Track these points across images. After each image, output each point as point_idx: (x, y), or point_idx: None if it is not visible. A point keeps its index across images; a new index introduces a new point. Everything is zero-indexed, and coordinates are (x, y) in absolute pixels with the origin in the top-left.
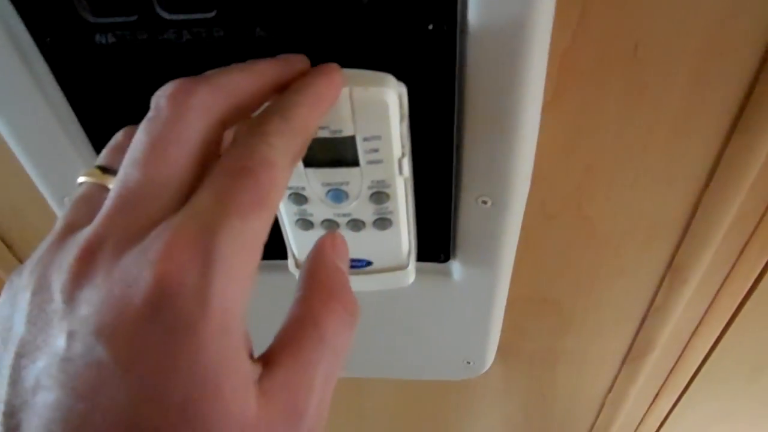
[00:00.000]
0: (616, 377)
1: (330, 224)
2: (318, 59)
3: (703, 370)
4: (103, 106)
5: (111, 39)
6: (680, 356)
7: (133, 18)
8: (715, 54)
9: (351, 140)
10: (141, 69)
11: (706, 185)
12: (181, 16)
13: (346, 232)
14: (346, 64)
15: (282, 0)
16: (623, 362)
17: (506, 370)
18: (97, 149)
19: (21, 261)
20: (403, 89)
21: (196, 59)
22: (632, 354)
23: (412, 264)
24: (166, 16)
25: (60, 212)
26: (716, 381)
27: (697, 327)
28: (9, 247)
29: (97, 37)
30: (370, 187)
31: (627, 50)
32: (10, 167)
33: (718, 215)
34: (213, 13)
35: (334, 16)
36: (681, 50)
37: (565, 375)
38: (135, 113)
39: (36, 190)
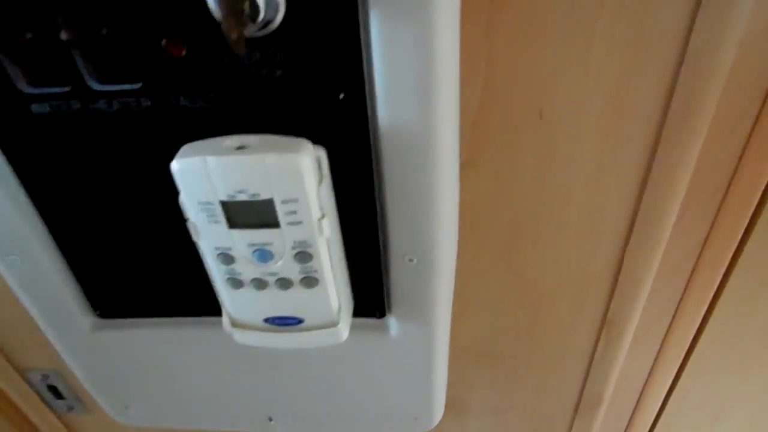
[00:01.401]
0: (569, 430)
1: (259, 283)
2: (242, 128)
3: (660, 422)
4: (43, 172)
5: (46, 108)
6: (635, 409)
7: (66, 89)
8: (618, 114)
9: (269, 203)
10: (76, 137)
11: (627, 240)
12: (110, 87)
13: (275, 291)
14: (269, 131)
15: (204, 73)
16: (574, 416)
17: (458, 425)
18: (40, 210)
19: None
20: (321, 153)
21: (126, 127)
22: (582, 407)
23: (344, 321)
24: (96, 87)
25: (4, 269)
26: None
27: (647, 378)
28: None
29: (34, 107)
30: (293, 247)
31: (532, 115)
32: None
33: (642, 269)
34: (139, 85)
35: (253, 88)
36: (585, 112)
37: (519, 428)
38: (73, 177)
39: None
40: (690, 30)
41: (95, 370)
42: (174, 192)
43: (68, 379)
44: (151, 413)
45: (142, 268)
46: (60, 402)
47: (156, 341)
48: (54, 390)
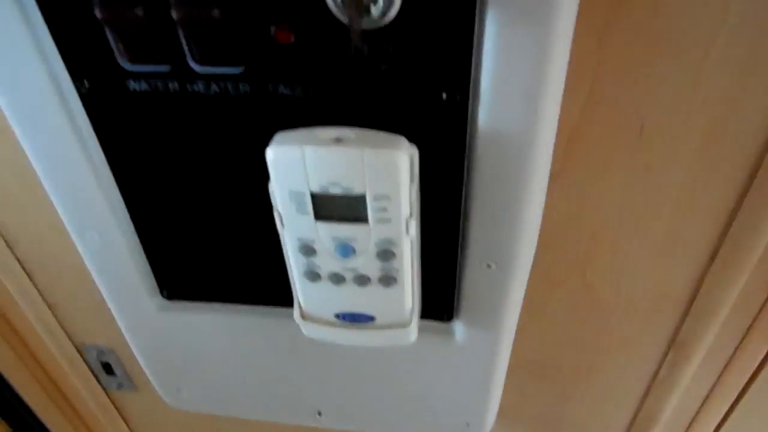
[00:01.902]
0: None
1: (337, 277)
2: (337, 120)
3: None
4: (131, 150)
5: (144, 86)
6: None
7: (166, 68)
8: (720, 135)
9: (362, 198)
10: (169, 117)
11: (711, 262)
12: (211, 70)
13: (351, 287)
14: (364, 125)
15: (306, 62)
16: None
17: None
18: (122, 188)
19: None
20: (414, 152)
21: (221, 111)
22: (635, 427)
23: (415, 323)
24: (196, 68)
25: (81, 245)
26: None
27: (702, 405)
28: (29, 275)
29: (131, 84)
30: (377, 245)
31: (633, 130)
32: (32, 198)
33: (721, 293)
34: (241, 69)
35: (355, 80)
36: (686, 131)
37: None
38: (160, 158)
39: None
40: None
41: (154, 350)
42: (261, 180)
43: (122, 357)
44: (202, 398)
45: (217, 253)
46: (111, 378)
47: (218, 327)
48: (107, 366)
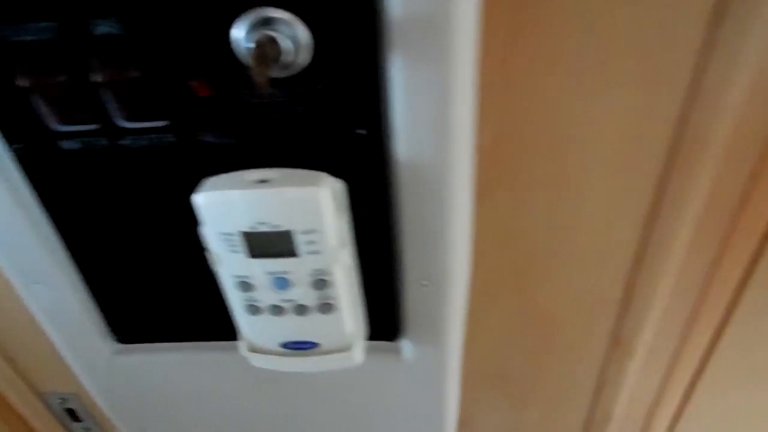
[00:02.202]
0: None
1: (276, 309)
2: (264, 162)
3: None
4: (70, 205)
5: (76, 145)
6: (646, 427)
7: (95, 126)
8: (630, 146)
9: (289, 234)
10: (102, 171)
11: (638, 264)
12: (137, 125)
13: (291, 317)
14: (290, 165)
15: (228, 111)
16: None
17: None
18: (66, 240)
19: None
20: (339, 186)
21: (150, 162)
22: (591, 426)
23: (358, 344)
24: (123, 124)
25: (28, 298)
26: None
27: (656, 397)
28: None
29: (64, 143)
30: (311, 275)
31: (545, 149)
32: None
33: (653, 291)
34: (166, 122)
35: (276, 124)
36: (597, 145)
37: None
38: (97, 209)
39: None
40: (702, 69)
41: (114, 394)
42: (194, 223)
43: (86, 403)
44: None
45: (162, 295)
46: (77, 425)
47: (174, 366)
48: (72, 413)
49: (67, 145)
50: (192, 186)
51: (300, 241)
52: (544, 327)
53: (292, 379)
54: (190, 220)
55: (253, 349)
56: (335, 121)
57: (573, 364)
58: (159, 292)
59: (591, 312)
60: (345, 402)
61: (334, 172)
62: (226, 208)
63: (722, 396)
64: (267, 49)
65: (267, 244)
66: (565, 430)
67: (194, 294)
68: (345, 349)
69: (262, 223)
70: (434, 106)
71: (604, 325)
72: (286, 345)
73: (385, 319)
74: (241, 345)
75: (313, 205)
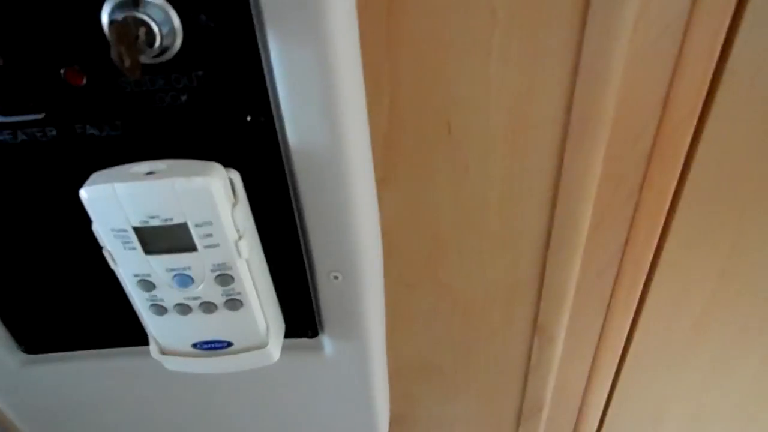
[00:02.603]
0: None
1: (182, 308)
2: (153, 154)
3: (606, 424)
4: None
5: None
6: (579, 413)
7: None
8: (523, 125)
9: (183, 227)
10: None
11: (546, 246)
12: (13, 119)
13: (199, 315)
14: (179, 156)
15: (106, 101)
16: (518, 422)
17: None
18: None
19: None
20: (234, 175)
21: (33, 158)
22: (524, 414)
23: (274, 341)
24: None
25: None
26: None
27: (587, 382)
28: None
29: None
30: (213, 270)
31: (441, 130)
32: None
33: (565, 274)
34: (42, 115)
35: (158, 114)
36: (491, 125)
37: None
38: None
39: None
40: (580, 44)
41: (26, 406)
42: (86, 220)
43: None
44: None
45: (65, 301)
46: None
47: (85, 374)
48: None
49: None
50: (81, 181)
51: (196, 235)
52: (465, 315)
53: (211, 380)
54: (84, 218)
55: (164, 352)
56: (220, 108)
57: (499, 352)
58: (62, 297)
59: (509, 298)
60: (269, 403)
61: (227, 161)
62: (113, 202)
63: (649, 377)
64: (127, 30)
65: (162, 239)
66: (500, 420)
67: (99, 298)
68: (259, 346)
69: (154, 217)
70: (318, 88)
71: (523, 311)
72: (198, 345)
73: (301, 315)
74: (152, 348)
75: (205, 195)
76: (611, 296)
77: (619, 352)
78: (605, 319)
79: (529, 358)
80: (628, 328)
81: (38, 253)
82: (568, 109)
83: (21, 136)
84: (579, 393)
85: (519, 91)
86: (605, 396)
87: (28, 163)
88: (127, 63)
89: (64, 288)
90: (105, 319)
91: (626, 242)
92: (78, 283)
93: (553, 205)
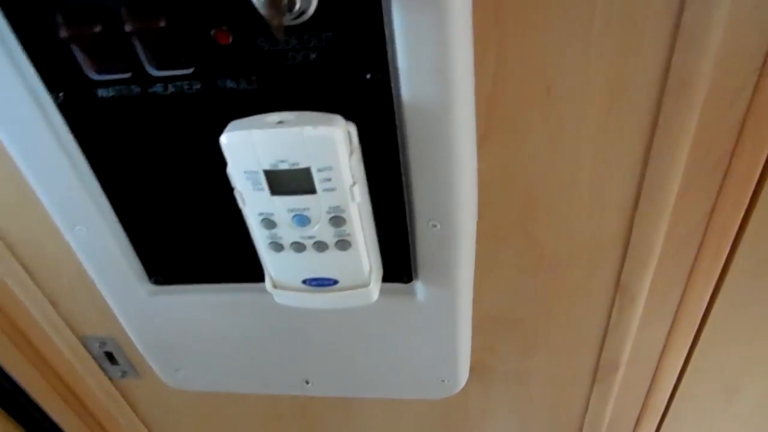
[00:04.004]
0: (589, 397)
1: (298, 246)
2: (282, 107)
3: (680, 390)
4: (107, 149)
5: (111, 92)
6: (653, 377)
7: (128, 75)
8: (619, 89)
9: (307, 171)
10: (136, 117)
11: (634, 208)
12: (166, 73)
13: (312, 253)
14: (304, 108)
15: (247, 58)
16: (593, 381)
17: (483, 390)
18: (103, 184)
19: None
20: (352, 128)
21: (179, 108)
22: (600, 373)
23: (375, 283)
24: (154, 73)
25: (72, 240)
26: (694, 402)
27: (664, 346)
28: (31, 275)
29: (100, 91)
30: (328, 212)
31: (541, 92)
32: (26, 202)
33: (650, 237)
34: (191, 70)
35: (290, 70)
36: (588, 88)
37: (540, 394)
38: (133, 153)
39: (51, 221)
40: (681, 8)
41: (149, 334)
42: (220, 165)
43: (123, 346)
44: (198, 377)
45: (194, 238)
46: (115, 368)
47: (205, 307)
48: (110, 356)
49: (102, 93)
50: (218, 130)
51: (317, 179)
52: (549, 270)
53: (313, 317)
54: (218, 163)
55: (278, 286)
56: (344, 67)
57: (579, 310)
58: (192, 234)
59: (593, 256)
60: (362, 342)
61: (346, 115)
62: (249, 147)
63: (727, 347)
64: None
65: (287, 182)
66: (575, 378)
67: (225, 236)
68: (362, 285)
69: (282, 161)
70: (434, 50)
71: (607, 269)
72: (308, 282)
73: (398, 261)
74: (267, 282)
75: (328, 143)
76: (694, 263)
77: (698, 321)
78: (686, 286)
79: (609, 317)
80: (708, 297)
81: (176, 193)
82: (666, 72)
83: (170, 89)
84: (655, 357)
85: (617, 55)
86: (680, 364)
87: (173, 112)
88: (276, 23)
89: (195, 226)
90: (228, 256)
91: (713, 210)
92: (208, 222)
93: (644, 167)
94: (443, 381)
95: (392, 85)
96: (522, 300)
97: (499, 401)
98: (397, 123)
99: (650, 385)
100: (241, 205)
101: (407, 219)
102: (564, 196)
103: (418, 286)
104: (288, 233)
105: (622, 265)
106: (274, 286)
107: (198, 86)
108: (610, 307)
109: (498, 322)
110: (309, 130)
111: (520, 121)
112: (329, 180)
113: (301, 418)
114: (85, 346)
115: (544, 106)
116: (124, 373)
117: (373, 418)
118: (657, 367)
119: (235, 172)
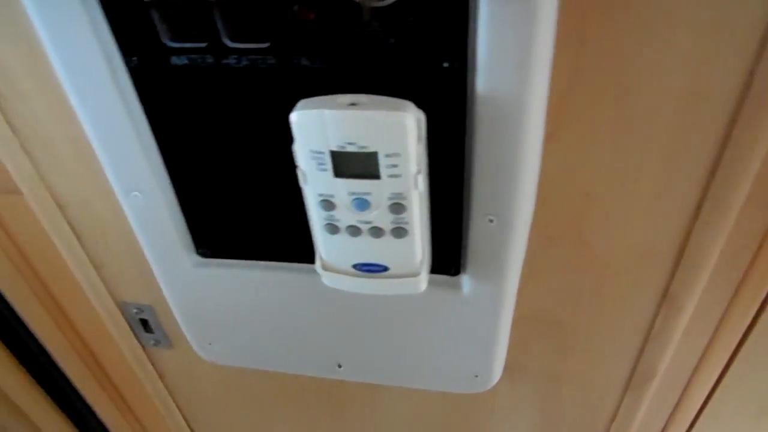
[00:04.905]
0: (620, 403)
1: (354, 230)
2: (353, 88)
3: (709, 406)
4: (172, 117)
5: (184, 61)
6: (684, 389)
7: (204, 44)
8: (696, 96)
9: (374, 156)
10: (205, 88)
11: (695, 218)
12: (242, 45)
13: (367, 238)
14: (376, 92)
15: (325, 37)
16: (626, 388)
17: (513, 388)
18: (163, 152)
19: (88, 253)
20: (421, 115)
21: (251, 82)
22: (634, 380)
23: (425, 272)
24: (229, 44)
25: (126, 204)
26: (721, 419)
27: (699, 360)
28: (78, 237)
29: (173, 59)
30: (389, 198)
31: (616, 93)
32: (83, 165)
33: (707, 249)
34: (268, 44)
35: (368, 53)
36: (665, 93)
37: (571, 397)
38: (197, 123)
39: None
40: None
41: (189, 305)
42: (285, 142)
43: (159, 315)
44: (231, 352)
45: (246, 213)
46: (148, 335)
47: (247, 283)
48: (145, 323)
49: (176, 60)
50: (285, 107)
51: (383, 164)
52: (597, 274)
53: (356, 302)
54: (281, 140)
55: (327, 268)
56: (422, 53)
57: (622, 314)
58: (246, 210)
59: (645, 262)
60: (401, 330)
61: (417, 102)
62: (319, 126)
63: (762, 371)
64: None
65: (353, 165)
66: (608, 384)
67: (279, 214)
68: (412, 274)
69: (351, 143)
70: (519, 42)
71: (657, 277)
72: (358, 266)
73: (448, 252)
74: (317, 263)
75: (400, 129)
76: (743, 278)
77: (739, 337)
78: (731, 301)
79: (652, 324)
80: (753, 314)
81: (235, 167)
82: (748, 83)
83: (244, 61)
84: (691, 367)
85: (700, 61)
86: (714, 379)
87: (243, 85)
88: (368, 9)
89: (249, 201)
90: (278, 234)
91: None
92: (262, 198)
93: (711, 177)
94: (476, 376)
95: (468, 75)
96: (565, 301)
97: (527, 399)
98: (468, 113)
99: (680, 398)
100: (302, 183)
101: (462, 211)
102: (624, 201)
103: (465, 279)
104: (345, 216)
105: (673, 274)
106: (324, 268)
107: (272, 61)
108: (654, 314)
109: (537, 322)
110: (382, 114)
111: (589, 121)
112: (395, 166)
113: (326, 401)
114: (122, 312)
115: (617, 107)
116: (157, 342)
117: (397, 407)
118: (689, 380)
119: (300, 151)
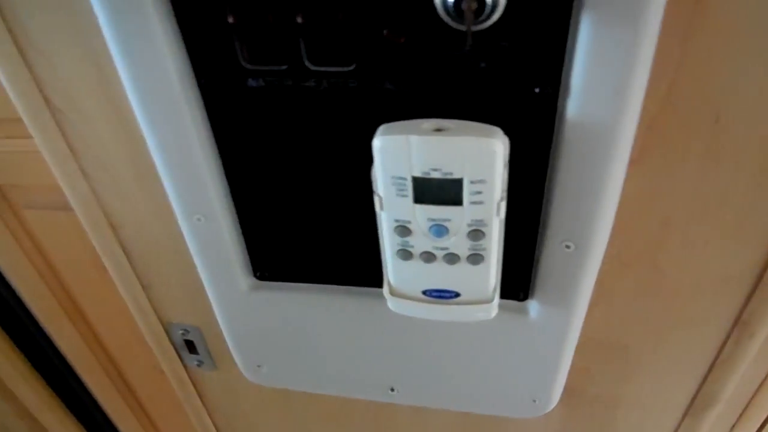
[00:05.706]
0: (676, 429)
1: (428, 256)
2: (438, 112)
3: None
4: (241, 141)
5: (260, 83)
6: (742, 413)
7: (284, 67)
8: None
9: (458, 182)
10: (280, 110)
11: None
12: (325, 68)
13: (441, 265)
14: (461, 116)
15: (413, 61)
16: (685, 414)
17: (566, 411)
18: (230, 179)
19: (138, 275)
20: (506, 140)
21: (329, 105)
22: (695, 406)
23: (497, 299)
24: (311, 67)
25: (186, 227)
26: None
27: (761, 383)
28: (128, 257)
29: (250, 81)
30: (469, 225)
31: (709, 120)
32: (141, 187)
33: None
34: (352, 67)
35: (456, 77)
36: (760, 121)
37: (625, 419)
38: (267, 146)
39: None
40: None
41: (242, 327)
42: (358, 167)
43: (205, 337)
44: (280, 374)
45: (308, 237)
46: (192, 356)
47: (304, 306)
48: (190, 344)
49: (252, 83)
50: (363, 130)
51: (467, 191)
52: (668, 301)
53: (417, 328)
54: (354, 164)
55: (394, 294)
56: (512, 77)
57: (690, 340)
58: (308, 233)
59: (719, 290)
60: (462, 354)
61: (503, 126)
62: (403, 152)
63: None
64: (475, 5)
65: (435, 191)
66: (666, 409)
67: (342, 238)
68: (485, 301)
69: (436, 170)
70: (618, 70)
71: (730, 304)
72: (428, 293)
73: (519, 277)
74: (385, 289)
75: (489, 156)
76: None
77: None
78: None
79: (719, 350)
80: None
81: (304, 191)
82: None
83: (325, 84)
84: (749, 395)
85: None
86: None
87: (321, 108)
88: (470, 32)
89: (312, 225)
90: (339, 258)
91: None
92: (326, 221)
93: None
94: (534, 401)
95: (558, 100)
96: (632, 326)
97: (580, 424)
98: (553, 140)
99: (735, 422)
100: (377, 209)
101: (537, 236)
102: (704, 228)
103: (532, 304)
104: (421, 242)
105: (747, 301)
106: (392, 294)
107: (354, 84)
108: (724, 340)
109: (601, 346)
110: (470, 141)
111: (677, 148)
112: (479, 193)
113: (372, 424)
114: (167, 332)
115: (708, 135)
116: (200, 363)
117: (444, 429)
118: (748, 404)
119: (381, 176)
